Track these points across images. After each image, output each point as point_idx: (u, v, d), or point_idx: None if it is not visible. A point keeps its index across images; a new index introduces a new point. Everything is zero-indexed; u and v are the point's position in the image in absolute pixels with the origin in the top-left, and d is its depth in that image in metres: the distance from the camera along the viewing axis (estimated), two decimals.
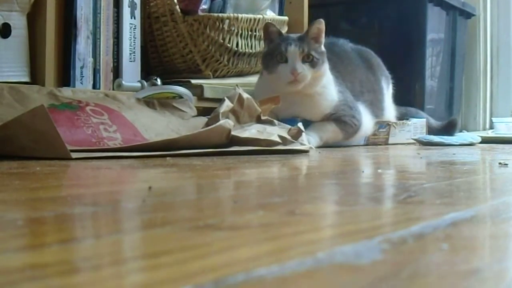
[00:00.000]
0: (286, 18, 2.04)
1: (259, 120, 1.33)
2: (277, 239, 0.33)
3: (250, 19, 1.83)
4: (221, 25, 1.74)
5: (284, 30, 2.02)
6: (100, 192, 0.55)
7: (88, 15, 1.49)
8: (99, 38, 1.53)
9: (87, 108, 1.12)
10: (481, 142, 2.06)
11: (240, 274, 0.24)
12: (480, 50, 2.75)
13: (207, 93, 1.65)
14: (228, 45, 1.78)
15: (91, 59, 1.50)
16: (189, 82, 1.65)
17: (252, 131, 1.23)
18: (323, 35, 1.56)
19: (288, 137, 1.25)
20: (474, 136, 2.09)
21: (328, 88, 1.59)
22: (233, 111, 1.27)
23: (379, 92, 1.83)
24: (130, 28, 1.61)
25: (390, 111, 1.89)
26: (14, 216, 0.39)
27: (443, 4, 2.30)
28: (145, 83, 1.57)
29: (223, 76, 1.82)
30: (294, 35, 1.58)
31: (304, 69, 1.50)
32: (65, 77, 1.45)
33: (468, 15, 2.56)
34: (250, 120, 1.32)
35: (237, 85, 1.38)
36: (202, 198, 0.53)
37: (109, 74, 1.55)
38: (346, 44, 1.86)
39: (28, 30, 1.39)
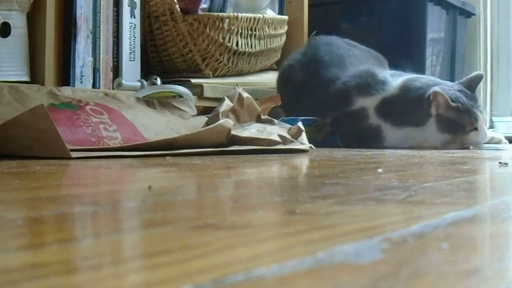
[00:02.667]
0: (286, 17, 2.04)
1: (259, 120, 1.33)
2: (277, 238, 0.33)
3: (250, 18, 1.83)
4: (221, 24, 1.74)
5: (284, 29, 2.03)
6: (100, 191, 0.55)
7: (88, 14, 1.49)
8: (99, 37, 1.53)
9: (87, 108, 1.12)
10: None
11: (240, 273, 0.24)
12: (480, 50, 2.75)
13: (207, 93, 1.65)
14: (228, 44, 1.78)
15: (90, 59, 1.50)
16: (189, 81, 1.65)
17: (252, 130, 1.23)
18: None
19: (288, 136, 1.25)
20: None
21: None
22: (233, 111, 1.27)
23: None
24: (130, 27, 1.61)
25: None
26: (14, 216, 0.39)
27: (443, 3, 2.30)
28: (145, 82, 1.57)
29: (223, 76, 1.82)
30: (467, 96, 1.56)
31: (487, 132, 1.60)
32: (65, 76, 1.45)
33: (468, 14, 2.56)
34: (250, 120, 1.32)
35: (237, 85, 1.38)
36: (202, 198, 0.53)
37: (109, 74, 1.55)
38: (328, 47, 1.81)
39: (27, 29, 1.39)
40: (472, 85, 1.60)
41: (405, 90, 1.58)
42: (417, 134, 1.56)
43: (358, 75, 1.64)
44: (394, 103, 1.57)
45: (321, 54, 1.76)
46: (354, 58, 1.75)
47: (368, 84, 1.61)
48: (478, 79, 1.63)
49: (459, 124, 1.54)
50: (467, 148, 1.56)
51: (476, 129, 1.55)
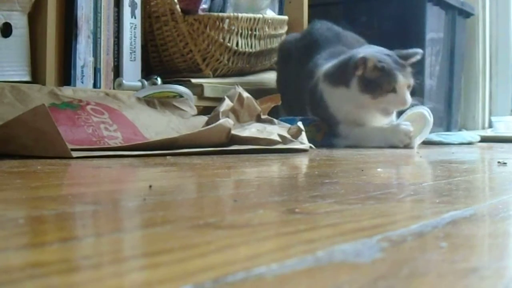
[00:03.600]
0: (286, 17, 2.04)
1: (259, 119, 1.33)
2: (277, 237, 0.33)
3: (250, 19, 1.83)
4: (221, 25, 1.74)
5: (284, 29, 2.03)
6: (101, 191, 0.55)
7: (88, 15, 1.49)
8: (100, 38, 1.53)
9: (88, 107, 1.12)
10: (480, 141, 2.07)
11: (240, 272, 0.24)
12: (479, 49, 2.75)
13: (207, 92, 1.65)
14: (228, 44, 1.78)
15: (91, 59, 1.51)
16: (189, 81, 1.65)
17: (252, 130, 1.23)
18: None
19: (288, 136, 1.26)
20: (473, 135, 2.09)
21: None
22: (233, 110, 1.27)
23: None
24: (131, 28, 1.61)
25: None
26: (15, 215, 0.39)
27: (442, 4, 2.30)
28: (145, 82, 1.57)
29: (223, 75, 1.82)
30: (395, 61, 1.63)
31: (409, 99, 1.61)
32: (66, 76, 1.45)
33: (467, 14, 2.56)
34: (250, 119, 1.32)
35: (237, 84, 1.38)
36: (202, 197, 0.53)
37: (109, 73, 1.55)
38: (322, 29, 1.90)
39: (29, 29, 1.39)
40: (407, 56, 1.66)
41: (343, 57, 1.68)
42: (348, 94, 1.63)
43: (324, 56, 1.75)
44: (334, 68, 1.68)
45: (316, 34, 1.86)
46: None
47: (330, 57, 1.73)
48: (415, 53, 1.67)
49: (378, 84, 1.60)
50: (388, 113, 1.62)
51: (394, 91, 1.59)
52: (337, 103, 1.65)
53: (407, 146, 1.60)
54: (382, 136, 1.63)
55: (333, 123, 1.68)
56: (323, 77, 1.67)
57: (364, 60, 1.58)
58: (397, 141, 1.60)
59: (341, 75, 1.64)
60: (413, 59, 1.66)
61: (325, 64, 1.71)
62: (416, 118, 1.66)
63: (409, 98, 1.60)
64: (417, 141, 1.65)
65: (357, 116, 1.65)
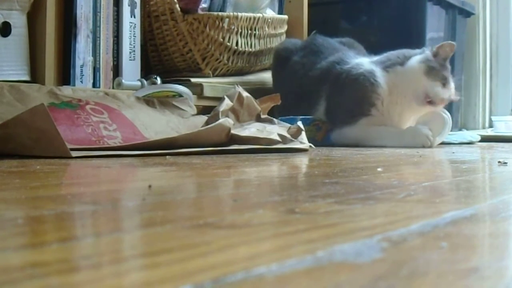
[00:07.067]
0: (285, 17, 2.04)
1: (258, 119, 1.33)
2: (276, 237, 0.33)
3: (250, 18, 1.83)
4: (220, 24, 1.74)
5: (284, 29, 2.03)
6: (100, 190, 0.55)
7: (88, 14, 1.49)
8: (99, 37, 1.53)
9: (87, 107, 1.12)
10: (480, 141, 2.07)
11: (239, 272, 0.24)
12: (480, 49, 2.75)
13: (207, 92, 1.65)
14: (228, 43, 1.78)
15: (91, 58, 1.50)
16: (189, 80, 1.65)
17: (251, 129, 1.23)
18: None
19: (288, 135, 1.25)
20: (473, 135, 2.09)
21: None
22: (232, 110, 1.27)
23: None
24: (130, 27, 1.61)
25: None
26: (14, 215, 0.39)
27: (442, 3, 2.30)
28: (145, 81, 1.57)
29: (223, 75, 1.82)
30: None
31: (445, 95, 1.67)
32: (65, 76, 1.45)
33: (467, 13, 2.56)
34: (249, 119, 1.32)
35: (236, 84, 1.38)
36: (202, 197, 0.53)
37: (109, 73, 1.55)
38: (325, 38, 1.93)
39: (28, 29, 1.39)
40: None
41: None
42: (401, 71, 1.68)
43: (349, 54, 1.80)
44: (387, 56, 1.74)
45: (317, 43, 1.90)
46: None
47: (357, 55, 1.81)
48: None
49: (437, 70, 1.67)
50: (423, 102, 1.66)
51: (445, 82, 1.66)
52: (389, 81, 1.67)
53: (427, 147, 1.60)
54: (401, 137, 1.64)
55: (356, 111, 1.68)
56: (375, 63, 1.70)
57: (449, 45, 1.69)
58: (418, 142, 1.61)
59: (399, 56, 1.70)
60: None
61: (356, 58, 1.75)
62: (431, 118, 1.67)
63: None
64: (437, 141, 1.65)
65: (395, 98, 1.67)
